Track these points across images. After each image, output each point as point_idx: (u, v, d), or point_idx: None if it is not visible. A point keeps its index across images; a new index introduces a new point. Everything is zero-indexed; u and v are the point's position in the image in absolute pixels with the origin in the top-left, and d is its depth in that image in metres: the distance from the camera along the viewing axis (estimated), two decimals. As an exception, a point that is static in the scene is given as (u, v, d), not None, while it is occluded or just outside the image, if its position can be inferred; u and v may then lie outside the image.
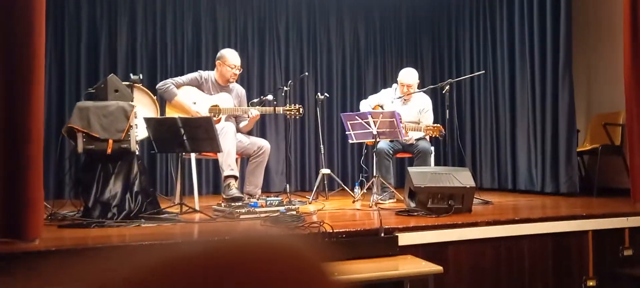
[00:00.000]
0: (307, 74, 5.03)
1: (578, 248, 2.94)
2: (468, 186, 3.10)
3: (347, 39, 6.00)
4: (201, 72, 3.92)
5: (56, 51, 4.89)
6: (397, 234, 2.52)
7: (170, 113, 3.75)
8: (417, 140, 4.07)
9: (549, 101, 4.48)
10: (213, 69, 3.93)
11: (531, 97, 4.70)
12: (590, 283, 2.93)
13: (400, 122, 3.67)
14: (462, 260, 2.68)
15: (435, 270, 2.32)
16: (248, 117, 3.90)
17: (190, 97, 3.78)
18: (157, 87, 3.77)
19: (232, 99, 3.88)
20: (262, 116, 3.93)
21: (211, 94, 3.85)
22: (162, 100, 3.85)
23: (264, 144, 3.80)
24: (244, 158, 4.03)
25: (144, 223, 2.71)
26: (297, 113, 3.86)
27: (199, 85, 3.84)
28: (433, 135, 3.89)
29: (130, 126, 2.88)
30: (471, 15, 5.54)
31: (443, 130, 3.86)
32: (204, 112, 3.73)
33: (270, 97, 4.15)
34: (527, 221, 2.85)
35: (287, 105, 3.94)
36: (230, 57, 3.84)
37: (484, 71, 4.79)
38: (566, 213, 3.04)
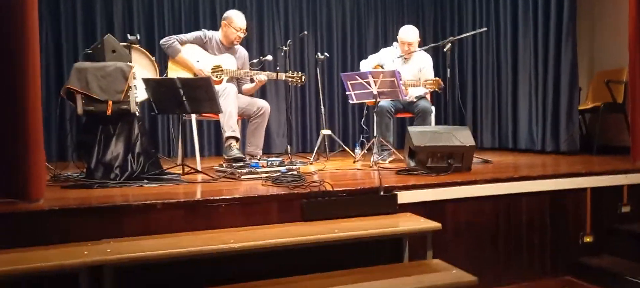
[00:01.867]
0: (306, 33, 4.95)
1: (576, 205, 2.98)
2: (468, 145, 3.11)
3: (347, -2, 5.89)
4: (205, 31, 3.90)
5: (51, 13, 4.81)
6: (396, 192, 2.55)
7: (172, 69, 3.74)
8: (418, 98, 4.05)
9: (551, 58, 4.43)
10: (213, 29, 3.89)
11: (533, 55, 4.65)
12: (588, 239, 2.99)
13: (401, 81, 3.64)
14: (460, 218, 2.72)
15: (433, 226, 2.36)
16: (250, 80, 3.89)
17: (194, 55, 3.77)
18: (160, 42, 3.76)
19: (235, 60, 3.86)
20: (263, 78, 3.91)
21: (215, 54, 3.83)
22: (162, 61, 3.82)
23: (264, 104, 3.80)
24: (245, 120, 4.03)
25: (146, 184, 2.74)
26: (300, 81, 3.87)
27: (202, 44, 3.83)
28: (432, 89, 3.86)
29: (129, 87, 2.87)
30: (474, -29, 5.41)
31: (442, 83, 3.83)
32: (206, 71, 3.72)
33: (269, 57, 4.12)
34: (525, 179, 2.88)
35: (289, 70, 3.91)
36: (237, 19, 3.81)
37: (485, 28, 4.72)
38: (565, 171, 3.06)
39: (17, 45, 2.15)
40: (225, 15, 3.86)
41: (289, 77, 3.86)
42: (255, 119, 3.77)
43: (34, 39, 2.19)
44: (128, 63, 2.94)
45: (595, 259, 2.93)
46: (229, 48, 3.88)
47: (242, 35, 3.84)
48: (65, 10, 4.85)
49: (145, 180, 2.80)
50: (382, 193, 2.52)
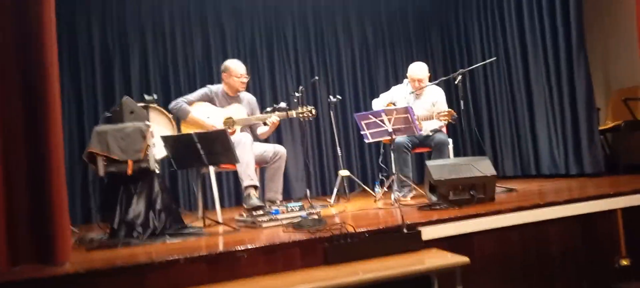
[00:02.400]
0: (317, 78, 5.04)
1: (608, 227, 2.88)
2: (489, 174, 3.07)
3: (355, 39, 6.00)
4: (210, 86, 3.97)
5: (72, 79, 5.01)
6: (420, 229, 2.51)
7: (185, 130, 3.80)
8: (433, 132, 4.04)
9: (565, 81, 4.40)
10: (221, 82, 3.97)
11: (546, 79, 4.63)
12: (624, 262, 2.86)
13: (414, 116, 3.65)
14: (488, 250, 2.65)
15: (461, 261, 2.30)
16: (263, 124, 3.94)
17: (203, 112, 3.83)
18: (169, 107, 3.83)
19: (244, 108, 3.92)
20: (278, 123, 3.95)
21: (223, 107, 3.90)
22: (178, 119, 3.91)
23: (280, 149, 3.82)
24: (263, 167, 4.06)
25: (168, 240, 2.75)
26: (310, 114, 3.88)
27: (210, 99, 3.89)
28: (446, 121, 3.86)
29: (148, 145, 2.93)
30: (478, 2, 5.49)
31: (454, 113, 3.83)
32: (218, 126, 3.77)
33: (283, 104, 4.16)
34: (552, 204, 2.81)
35: (299, 107, 3.95)
36: (235, 67, 3.88)
37: (495, 58, 4.73)
38: (593, 193, 2.98)
39: (41, 113, 2.24)
40: (223, 67, 3.93)
41: (299, 112, 3.87)
42: (272, 164, 3.78)
43: (56, 104, 2.28)
44: (146, 122, 3.02)
45: (634, 283, 2.80)
46: (234, 97, 3.94)
47: (245, 80, 3.90)
48: (85, 76, 5.05)
49: (167, 236, 2.81)
50: (405, 230, 2.48)
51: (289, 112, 3.88)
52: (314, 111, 3.89)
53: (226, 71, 3.89)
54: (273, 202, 3.69)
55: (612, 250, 2.87)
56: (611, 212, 2.87)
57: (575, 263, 2.80)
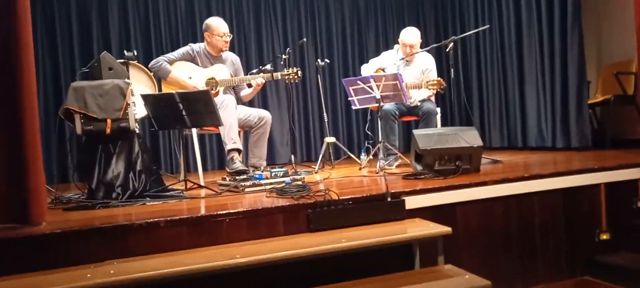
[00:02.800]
0: (305, 40, 4.97)
1: (590, 202, 2.95)
2: (475, 145, 3.10)
3: (346, 3, 5.91)
4: (192, 45, 3.89)
5: (47, 31, 4.86)
6: (404, 198, 2.54)
7: (167, 90, 3.74)
8: (422, 101, 4.05)
9: (557, 52, 4.42)
10: (203, 41, 3.90)
11: (539, 50, 4.64)
12: (604, 236, 2.95)
13: (403, 83, 3.65)
14: (471, 221, 2.70)
15: (443, 231, 2.34)
16: (247, 86, 3.90)
17: (185, 72, 3.77)
18: (149, 66, 3.75)
19: (227, 69, 3.87)
20: (263, 87, 3.91)
21: (206, 67, 3.84)
22: (159, 78, 3.84)
23: (265, 114, 3.80)
24: (247, 131, 4.04)
25: (149, 202, 2.75)
26: (296, 76, 3.84)
27: (192, 58, 3.82)
28: (435, 90, 3.87)
29: (128, 104, 2.89)
30: (474, -33, 5.43)
31: (444, 82, 3.83)
32: (200, 86, 3.73)
33: (269, 66, 4.12)
34: (537, 177, 2.86)
35: (285, 69, 3.90)
36: (217, 25, 3.80)
37: (488, 26, 4.71)
38: (577, 167, 3.04)
39: (13, 66, 2.17)
40: (204, 25, 3.84)
41: (284, 74, 3.83)
42: (257, 129, 3.77)
43: (29, 58, 2.21)
44: (125, 80, 2.97)
45: (612, 257, 2.90)
46: (217, 57, 3.88)
47: (227, 39, 3.82)
48: (61, 29, 4.91)
49: (147, 198, 2.81)
50: (389, 199, 2.51)
51: (274, 74, 3.84)
52: (299, 73, 3.84)
53: (208, 30, 3.81)
54: (256, 167, 3.69)
55: (594, 224, 2.95)
56: (594, 186, 2.94)
57: (557, 236, 2.88)
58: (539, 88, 4.68)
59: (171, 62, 3.75)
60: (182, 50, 3.85)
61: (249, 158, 3.80)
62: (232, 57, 4.00)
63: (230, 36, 3.86)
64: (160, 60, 3.73)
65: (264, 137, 3.79)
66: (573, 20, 4.24)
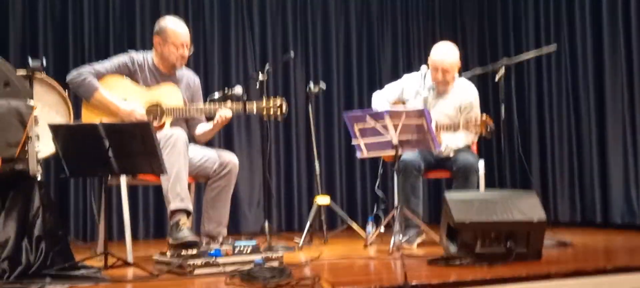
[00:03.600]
0: (292, 53, 5.04)
1: None
2: (535, 219, 3.11)
3: (352, 3, 6.03)
4: (132, 53, 3.92)
5: None
6: (430, 294, 2.52)
7: (88, 117, 3.75)
8: (457, 151, 4.07)
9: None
10: (151, 49, 3.94)
11: (628, 86, 4.73)
12: None
13: (432, 123, 3.68)
14: (529, 332, 2.67)
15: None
16: (206, 119, 3.91)
17: (118, 91, 3.79)
18: (68, 79, 3.76)
19: (180, 92, 3.89)
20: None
21: (149, 87, 3.85)
22: (77, 99, 3.85)
23: (230, 157, 3.81)
24: (201, 183, 4.02)
25: (49, 285, 2.70)
26: (279, 111, 3.87)
27: (130, 73, 3.85)
28: (479, 134, 3.91)
29: (29, 137, 2.88)
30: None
31: (491, 122, 3.86)
32: (140, 112, 3.74)
33: (238, 89, 4.16)
34: (625, 270, 2.85)
35: (264, 100, 3.93)
36: (175, 30, 3.84)
37: (555, 46, 4.80)
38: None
39: None
40: (157, 27, 3.88)
41: (263, 107, 3.86)
42: (216, 180, 3.76)
43: None
44: (27, 102, 2.97)
45: None
46: (169, 75, 3.92)
47: (186, 52, 3.87)
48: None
49: (48, 278, 2.75)
50: (408, 295, 2.49)
51: (248, 105, 3.87)
52: (284, 107, 3.87)
53: (161, 33, 3.84)
54: (213, 237, 3.66)
55: None
56: None
57: None
58: (628, 142, 4.76)
59: (99, 76, 3.77)
60: (117, 61, 3.87)
61: (203, 223, 3.77)
62: (189, 77, 4.03)
63: (190, 50, 3.91)
64: (84, 72, 3.74)
65: (226, 192, 3.78)
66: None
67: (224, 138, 5.45)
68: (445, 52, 4.16)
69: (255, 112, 3.90)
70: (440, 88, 4.20)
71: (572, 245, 3.71)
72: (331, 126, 5.90)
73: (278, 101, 3.87)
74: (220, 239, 3.64)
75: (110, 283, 2.80)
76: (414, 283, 2.52)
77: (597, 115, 5.04)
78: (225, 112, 3.79)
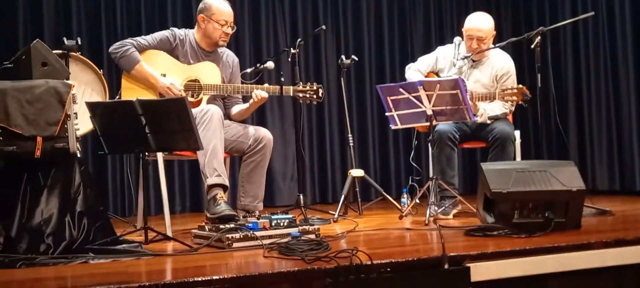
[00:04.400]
0: (324, 27, 5.01)
1: None
2: (575, 189, 3.09)
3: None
4: (175, 30, 3.97)
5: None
6: (468, 265, 2.52)
7: (128, 88, 3.81)
8: (494, 119, 4.04)
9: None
10: (192, 27, 3.96)
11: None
12: None
13: (467, 93, 3.64)
14: (569, 302, 2.66)
15: (528, 317, 2.31)
16: (242, 99, 3.94)
17: (158, 66, 3.83)
18: (110, 50, 3.84)
19: (219, 71, 3.91)
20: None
21: (189, 63, 3.89)
22: (115, 77, 3.89)
23: (264, 133, 3.83)
24: (235, 157, 4.05)
25: (93, 259, 2.75)
26: (316, 97, 3.90)
27: (171, 48, 3.90)
28: (515, 102, 3.87)
29: (68, 116, 2.92)
30: None
31: (527, 91, 3.82)
32: (178, 88, 3.79)
33: (270, 64, 4.17)
34: (667, 239, 2.81)
35: (299, 82, 3.95)
36: (219, 7, 3.88)
37: (593, 13, 4.71)
38: None
39: None
40: (202, 4, 3.94)
41: (299, 90, 3.90)
42: (252, 156, 3.79)
43: None
44: (65, 80, 3.00)
45: None
46: (210, 53, 3.95)
47: (229, 30, 3.91)
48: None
49: (90, 254, 2.80)
50: (446, 266, 2.49)
51: (284, 88, 3.88)
52: (321, 92, 3.90)
53: (205, 11, 3.89)
54: (250, 212, 3.70)
55: None
56: None
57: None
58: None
59: (142, 49, 3.83)
60: (159, 35, 3.93)
61: (239, 198, 3.81)
62: (229, 56, 4.07)
63: (233, 28, 3.94)
64: (127, 44, 3.82)
65: (261, 167, 3.81)
66: None
67: (258, 112, 5.43)
68: (480, 20, 4.13)
69: (291, 94, 3.92)
70: (475, 58, 4.15)
71: (612, 214, 3.68)
72: (364, 99, 5.88)
73: (314, 86, 3.91)
74: (257, 213, 3.67)
75: (152, 257, 2.84)
76: (452, 254, 2.53)
77: (635, 82, 4.96)
78: (261, 92, 3.82)
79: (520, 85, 3.91)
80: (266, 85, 3.92)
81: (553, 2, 5.69)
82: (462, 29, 4.19)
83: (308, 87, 3.93)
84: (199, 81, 3.85)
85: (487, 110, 4.03)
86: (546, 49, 4.04)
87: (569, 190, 3.07)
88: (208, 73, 3.88)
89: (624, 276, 2.75)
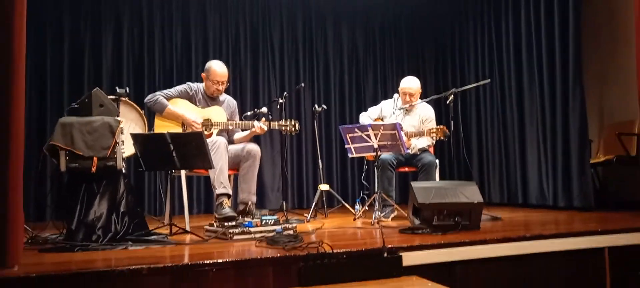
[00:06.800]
0: (303, 84, 5.03)
1: (594, 266, 2.92)
2: (475, 201, 3.10)
3: (345, 48, 6.04)
4: (190, 83, 3.95)
5: (37, 64, 4.90)
6: (401, 254, 2.51)
7: (160, 127, 3.76)
8: (421, 151, 4.07)
9: (559, 110, 4.50)
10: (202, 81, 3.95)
11: (540, 107, 4.72)
12: (609, 304, 2.91)
13: (402, 132, 3.68)
14: (471, 281, 2.66)
15: (442, 292, 2.30)
16: (241, 129, 3.92)
17: (181, 109, 3.81)
18: (145, 100, 3.79)
19: (223, 111, 3.90)
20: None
21: (203, 107, 3.88)
22: (150, 115, 3.86)
23: (252, 146, 3.79)
24: (238, 176, 4.01)
25: (131, 246, 2.70)
26: (293, 129, 3.91)
27: (189, 97, 3.88)
28: (438, 138, 3.89)
29: (116, 143, 2.88)
30: (475, 21, 5.59)
31: (447, 130, 3.85)
32: (198, 121, 3.79)
33: (264, 109, 4.16)
34: (539, 237, 2.84)
35: (283, 119, 3.96)
36: (216, 70, 3.86)
37: (489, 80, 4.81)
38: (580, 229, 3.03)
39: (3, 102, 2.16)
40: (205, 67, 3.93)
41: (282, 125, 3.90)
42: (244, 162, 3.74)
43: (18, 91, 2.21)
44: (116, 118, 2.97)
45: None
46: (215, 99, 3.94)
47: (221, 87, 3.90)
48: (52, 62, 4.94)
49: (129, 242, 2.76)
50: (385, 254, 2.47)
51: (271, 123, 3.88)
52: (297, 126, 3.92)
53: (206, 72, 3.88)
54: (245, 203, 3.65)
55: (598, 290, 2.91)
56: (598, 250, 2.92)
57: (559, 301, 2.83)
58: (541, 145, 4.74)
59: (168, 98, 3.81)
60: (180, 88, 3.90)
61: (239, 194, 3.75)
62: (229, 100, 4.05)
63: (226, 84, 3.93)
64: (157, 95, 3.78)
65: (252, 170, 3.74)
66: (574, 77, 4.34)
67: (254, 141, 5.42)
68: (411, 82, 4.18)
69: (276, 128, 3.92)
70: (407, 108, 4.20)
71: (502, 219, 3.71)
72: (330, 135, 5.89)
73: (293, 122, 3.92)
74: (251, 203, 3.65)
75: (174, 245, 2.80)
76: (389, 246, 2.52)
77: (519, 127, 5.03)
78: (261, 124, 3.84)
79: (442, 126, 3.93)
80: (260, 120, 3.91)
81: (462, 72, 5.80)
82: (399, 88, 4.23)
83: (289, 123, 3.93)
84: (210, 120, 3.84)
85: (418, 144, 4.07)
86: (457, 103, 4.09)
87: (471, 202, 3.09)
88: (216, 114, 3.88)
89: (508, 263, 2.76)
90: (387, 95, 5.46)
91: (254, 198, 3.76)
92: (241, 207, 3.68)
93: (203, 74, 3.90)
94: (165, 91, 3.84)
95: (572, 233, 2.93)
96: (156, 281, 2.16)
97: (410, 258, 2.52)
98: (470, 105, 5.63)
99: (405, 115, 4.21)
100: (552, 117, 4.59)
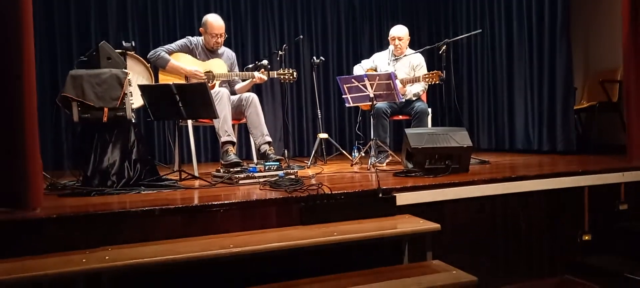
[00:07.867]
0: (301, 37, 4.96)
1: (574, 204, 2.99)
2: (465, 146, 3.12)
3: (342, 3, 5.91)
4: (190, 38, 3.89)
5: (46, 19, 4.81)
6: (394, 194, 2.56)
7: (164, 79, 3.73)
8: (414, 101, 4.06)
9: (546, 59, 4.46)
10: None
11: (528, 56, 4.68)
12: (586, 237, 3.00)
13: (397, 81, 3.66)
14: (459, 218, 2.73)
15: (432, 227, 2.36)
16: (241, 80, 3.90)
17: (182, 63, 3.77)
18: (148, 56, 3.74)
19: (224, 63, 3.87)
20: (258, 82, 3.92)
21: (203, 60, 3.84)
22: (156, 69, 3.82)
23: (248, 94, 3.75)
24: (242, 127, 4.02)
25: (143, 191, 2.74)
26: (291, 77, 3.87)
27: (190, 51, 3.84)
28: (432, 82, 3.84)
29: (125, 94, 2.87)
30: (468, -27, 5.45)
31: (442, 73, 3.78)
32: (201, 71, 3.75)
33: (265, 62, 4.11)
34: (523, 178, 2.89)
35: (281, 69, 3.92)
36: (212, 23, 3.79)
37: (480, 30, 4.74)
38: (562, 170, 3.08)
39: (13, 53, 2.15)
40: (202, 21, 3.84)
41: (280, 74, 3.87)
42: (246, 111, 3.71)
43: (29, 44, 2.19)
44: (123, 70, 2.94)
45: (594, 258, 2.95)
46: (214, 52, 3.89)
47: (220, 39, 3.83)
48: (59, 17, 4.85)
49: (142, 187, 2.79)
50: (380, 195, 2.52)
51: (270, 72, 3.84)
52: (295, 74, 3.88)
53: (204, 26, 3.82)
54: (264, 147, 3.58)
55: (576, 226, 2.99)
56: (578, 189, 2.98)
57: (540, 235, 2.91)
58: (527, 93, 4.72)
59: (170, 53, 3.75)
60: (180, 42, 3.84)
61: (254, 142, 3.71)
62: (228, 53, 4.00)
63: (224, 36, 3.86)
64: (159, 51, 3.73)
65: (256, 113, 3.68)
66: (562, 28, 4.29)
67: (257, 94, 5.39)
68: (398, 28, 4.20)
69: (276, 77, 3.88)
70: (398, 55, 4.17)
71: (489, 163, 3.75)
72: (328, 86, 5.84)
73: (291, 70, 3.88)
74: (267, 146, 3.57)
75: (184, 189, 2.84)
76: (384, 187, 2.57)
77: (507, 76, 4.99)
78: (260, 74, 3.79)
79: (436, 70, 3.86)
80: (261, 70, 3.87)
81: (454, 22, 5.70)
82: (389, 36, 4.21)
83: (286, 71, 3.88)
84: (212, 72, 3.81)
85: (412, 90, 4.06)
86: (449, 53, 4.04)
87: (461, 146, 3.11)
88: (217, 66, 3.84)
89: (496, 201, 2.83)
90: (382, 46, 5.38)
91: (268, 138, 3.66)
92: (262, 150, 3.60)
93: (201, 29, 3.84)
94: (166, 46, 3.79)
95: (554, 174, 2.98)
96: (169, 220, 2.21)
97: (403, 198, 2.58)
98: (462, 56, 5.57)
99: (397, 62, 4.19)
100: (539, 66, 4.55)
